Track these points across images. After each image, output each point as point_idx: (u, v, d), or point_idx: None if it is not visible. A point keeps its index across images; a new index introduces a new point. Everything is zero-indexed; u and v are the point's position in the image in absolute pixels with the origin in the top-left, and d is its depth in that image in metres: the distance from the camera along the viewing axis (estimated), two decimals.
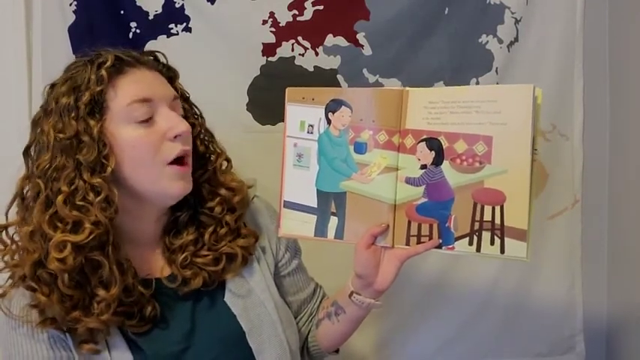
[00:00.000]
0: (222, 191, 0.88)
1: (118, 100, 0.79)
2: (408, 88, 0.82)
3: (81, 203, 0.76)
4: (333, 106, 0.85)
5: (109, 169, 0.77)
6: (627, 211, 1.33)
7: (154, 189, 0.81)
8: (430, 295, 1.36)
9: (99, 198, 0.76)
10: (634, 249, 1.30)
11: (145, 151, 0.79)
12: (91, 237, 0.75)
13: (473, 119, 0.78)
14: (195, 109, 0.91)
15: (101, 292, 0.77)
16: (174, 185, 0.81)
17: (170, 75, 0.88)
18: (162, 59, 0.88)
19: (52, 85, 0.82)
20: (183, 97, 0.89)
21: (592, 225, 1.39)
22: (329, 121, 0.85)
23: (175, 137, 0.81)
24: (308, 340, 0.99)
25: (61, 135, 0.77)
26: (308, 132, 0.87)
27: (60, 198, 0.75)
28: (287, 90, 0.87)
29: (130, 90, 0.80)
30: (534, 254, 1.32)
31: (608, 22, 1.38)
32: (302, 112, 0.87)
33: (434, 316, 1.37)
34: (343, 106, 0.85)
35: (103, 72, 0.78)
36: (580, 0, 1.32)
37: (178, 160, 0.82)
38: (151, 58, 0.87)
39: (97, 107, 0.78)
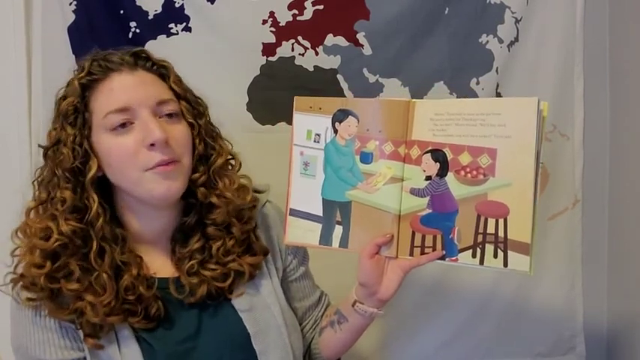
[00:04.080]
0: (220, 198, 0.85)
1: (95, 109, 0.80)
2: (414, 100, 0.82)
3: (53, 212, 0.78)
4: (339, 116, 0.85)
5: (90, 175, 0.78)
6: (627, 211, 1.34)
7: (139, 191, 0.81)
8: (431, 295, 1.36)
9: (63, 207, 0.78)
10: (634, 249, 1.30)
11: (119, 159, 0.79)
12: (55, 245, 0.77)
13: (477, 132, 0.78)
14: (197, 107, 0.87)
15: (89, 298, 0.78)
16: (157, 187, 0.79)
17: (161, 72, 0.85)
18: (153, 56, 0.85)
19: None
20: (180, 96, 0.85)
21: (592, 225, 1.39)
22: (335, 131, 0.85)
23: (152, 145, 0.78)
24: (311, 348, 1.00)
25: (45, 144, 0.80)
26: (315, 141, 0.87)
27: (33, 205, 0.80)
28: (295, 99, 0.88)
29: (105, 100, 0.79)
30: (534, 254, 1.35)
31: (608, 23, 1.37)
32: (309, 121, 0.87)
33: (434, 317, 1.37)
34: (350, 116, 0.84)
35: (76, 83, 0.80)
36: (580, 0, 1.33)
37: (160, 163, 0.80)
38: (132, 59, 0.83)
39: (80, 116, 0.80)
